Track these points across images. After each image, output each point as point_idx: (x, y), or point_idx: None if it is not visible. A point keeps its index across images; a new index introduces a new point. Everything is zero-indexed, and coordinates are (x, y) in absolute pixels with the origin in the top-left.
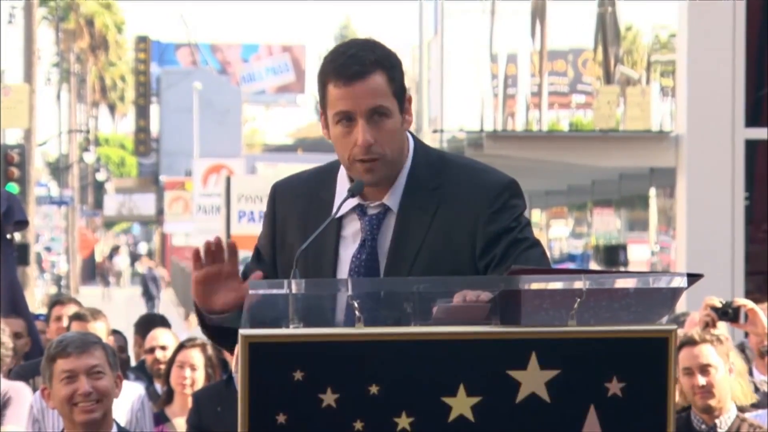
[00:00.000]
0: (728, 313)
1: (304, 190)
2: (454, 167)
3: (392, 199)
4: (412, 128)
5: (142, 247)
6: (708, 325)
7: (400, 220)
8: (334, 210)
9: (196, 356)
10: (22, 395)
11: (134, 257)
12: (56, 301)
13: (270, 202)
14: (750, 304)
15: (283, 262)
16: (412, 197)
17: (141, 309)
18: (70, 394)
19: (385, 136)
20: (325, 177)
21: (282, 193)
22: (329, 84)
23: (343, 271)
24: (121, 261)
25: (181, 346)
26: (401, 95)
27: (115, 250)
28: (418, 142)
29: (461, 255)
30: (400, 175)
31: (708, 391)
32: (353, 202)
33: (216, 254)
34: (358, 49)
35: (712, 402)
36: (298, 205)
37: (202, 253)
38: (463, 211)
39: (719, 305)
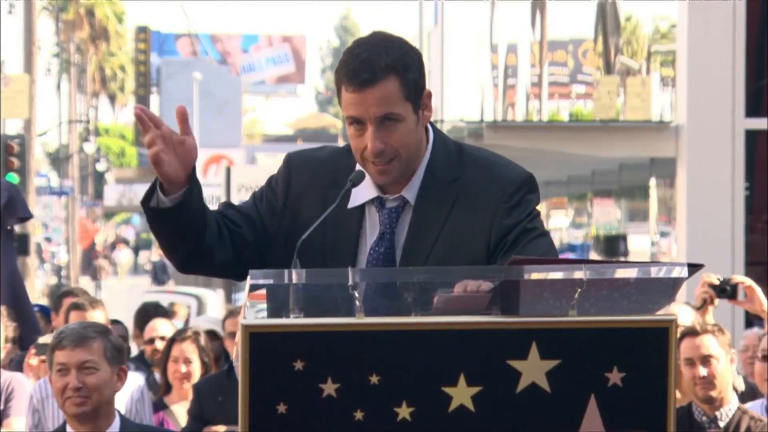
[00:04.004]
0: (726, 290)
1: (323, 172)
2: (472, 160)
3: (410, 192)
4: None
5: (125, 232)
6: (706, 302)
7: (416, 213)
8: (358, 199)
9: (189, 349)
10: (24, 386)
11: (137, 249)
12: (65, 293)
13: (285, 171)
14: (748, 281)
15: (293, 243)
16: (429, 190)
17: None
18: (62, 387)
19: (396, 139)
20: (344, 162)
21: (299, 167)
22: (342, 86)
23: (362, 261)
24: (122, 255)
25: (173, 341)
26: (417, 95)
27: (116, 244)
28: (437, 133)
29: (477, 249)
30: (418, 168)
31: (709, 382)
32: (372, 193)
33: (150, 120)
34: (372, 53)
35: (713, 393)
36: (316, 188)
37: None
38: (480, 205)
39: (717, 282)
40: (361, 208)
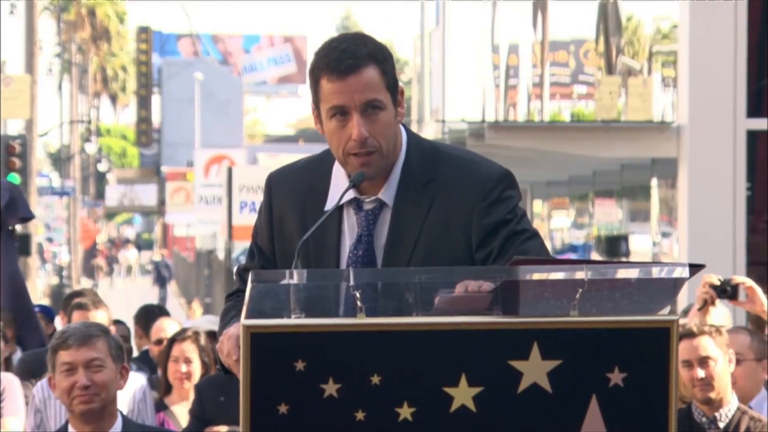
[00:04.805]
0: (727, 291)
1: (301, 181)
2: (448, 159)
3: (387, 194)
4: (414, 119)
5: (126, 232)
6: (707, 302)
7: (395, 214)
8: (334, 201)
9: (189, 348)
10: (15, 386)
11: (138, 249)
12: (74, 293)
13: (266, 193)
14: (749, 281)
15: (281, 254)
16: (406, 191)
17: (142, 299)
18: (69, 386)
19: (379, 129)
20: (321, 167)
21: (278, 185)
22: (322, 79)
23: (343, 265)
24: (130, 254)
25: (173, 340)
26: (394, 88)
27: (124, 243)
28: (411, 134)
29: (457, 248)
30: (394, 169)
31: (708, 383)
32: (349, 195)
33: None
34: (350, 43)
35: (712, 394)
36: (294, 197)
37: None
38: (457, 203)
39: (718, 283)
40: (339, 211)
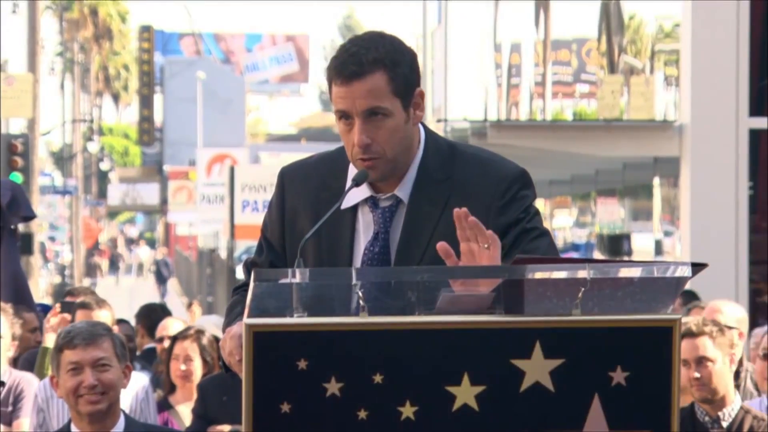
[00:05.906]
0: None
1: (314, 178)
2: (464, 158)
3: (403, 191)
4: None
5: (128, 231)
6: None
7: (410, 212)
8: (350, 200)
9: (190, 347)
10: (33, 386)
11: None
12: (68, 292)
13: (278, 188)
14: None
15: (292, 250)
16: (422, 189)
17: (147, 298)
18: (75, 386)
19: (383, 135)
20: (335, 165)
21: (291, 180)
22: (332, 81)
23: (357, 262)
24: (142, 252)
25: (175, 339)
26: (407, 92)
27: (128, 243)
28: (428, 132)
29: None
30: (411, 167)
31: (703, 383)
32: (366, 193)
33: None
34: (361, 47)
35: (709, 395)
36: (308, 193)
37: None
38: (473, 202)
39: None
40: (353, 209)
